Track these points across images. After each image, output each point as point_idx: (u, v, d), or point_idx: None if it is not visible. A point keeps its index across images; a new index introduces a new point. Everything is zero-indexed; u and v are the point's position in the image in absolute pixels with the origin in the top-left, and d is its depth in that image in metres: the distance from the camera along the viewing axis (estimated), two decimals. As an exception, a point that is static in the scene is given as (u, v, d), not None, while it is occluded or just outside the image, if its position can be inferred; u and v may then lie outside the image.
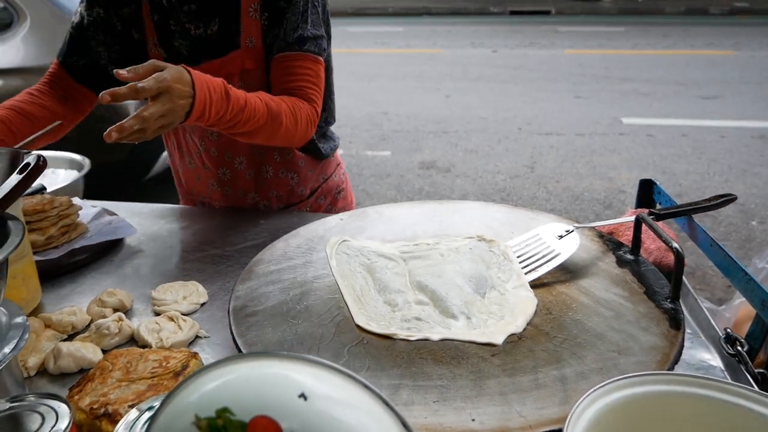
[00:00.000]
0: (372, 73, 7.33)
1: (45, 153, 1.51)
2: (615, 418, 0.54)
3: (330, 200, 1.44)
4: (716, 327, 0.82)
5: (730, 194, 0.99)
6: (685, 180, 4.12)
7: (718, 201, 0.98)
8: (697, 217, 0.98)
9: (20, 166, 0.69)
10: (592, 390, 0.54)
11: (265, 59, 1.18)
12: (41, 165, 0.68)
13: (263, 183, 1.32)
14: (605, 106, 5.91)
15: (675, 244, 0.78)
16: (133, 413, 0.56)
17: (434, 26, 11.07)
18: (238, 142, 1.21)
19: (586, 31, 10.38)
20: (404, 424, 0.41)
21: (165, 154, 3.56)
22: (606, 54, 8.41)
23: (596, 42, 9.34)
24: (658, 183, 1.11)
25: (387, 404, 0.41)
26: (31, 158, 0.70)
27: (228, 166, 1.29)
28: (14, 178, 0.67)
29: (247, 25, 1.15)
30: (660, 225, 1.00)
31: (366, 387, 0.42)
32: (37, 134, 1.08)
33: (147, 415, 0.55)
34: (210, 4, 1.15)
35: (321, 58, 1.19)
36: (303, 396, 0.40)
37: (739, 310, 1.57)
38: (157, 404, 0.57)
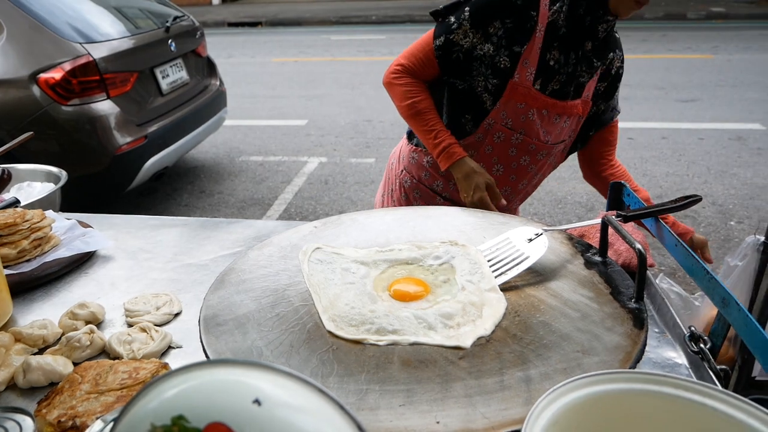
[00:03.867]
0: (356, 81, 7.35)
1: (21, 166, 1.50)
2: (574, 417, 0.55)
3: None
4: (681, 325, 0.84)
5: (696, 195, 1.01)
6: (665, 182, 4.18)
7: (684, 202, 1.00)
8: (678, 219, 1.00)
9: (-15, 180, 0.69)
10: (551, 390, 0.55)
11: (587, 114, 1.45)
12: (5, 178, 0.68)
13: None
14: (586, 110, 5.97)
15: (638, 245, 0.80)
16: (98, 425, 0.56)
17: (417, 34, 10.84)
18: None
19: (567, 36, 10.48)
20: (359, 428, 0.41)
21: (148, 164, 3.54)
22: (587, 59, 8.49)
23: (577, 47, 9.44)
24: (627, 186, 1.13)
25: (342, 409, 0.42)
26: (-4, 172, 0.70)
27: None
28: (-21, 192, 0.67)
29: (590, 83, 1.41)
30: (629, 227, 1.02)
31: (322, 392, 0.43)
32: (8, 145, 1.08)
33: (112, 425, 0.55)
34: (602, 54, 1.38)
35: None
36: (257, 402, 0.40)
37: (711, 308, 1.59)
38: (121, 415, 0.57)
